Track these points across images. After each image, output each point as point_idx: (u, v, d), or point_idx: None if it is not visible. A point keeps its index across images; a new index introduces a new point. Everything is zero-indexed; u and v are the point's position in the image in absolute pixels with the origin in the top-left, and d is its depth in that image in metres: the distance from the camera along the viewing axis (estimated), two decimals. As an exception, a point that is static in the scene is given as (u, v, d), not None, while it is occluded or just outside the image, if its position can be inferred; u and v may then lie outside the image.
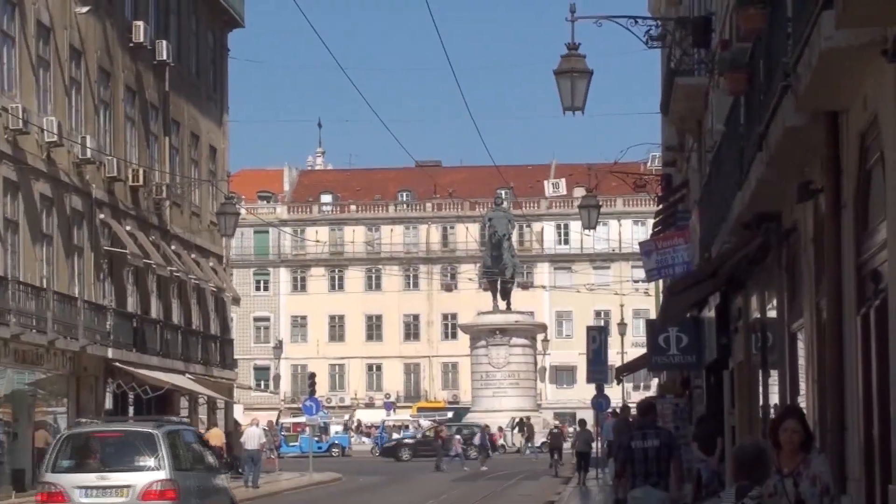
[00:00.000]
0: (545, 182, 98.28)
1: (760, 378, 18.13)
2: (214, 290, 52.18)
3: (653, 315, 53.41)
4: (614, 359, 63.27)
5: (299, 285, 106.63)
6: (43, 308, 36.43)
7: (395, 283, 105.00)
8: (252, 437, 43.03)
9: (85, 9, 40.19)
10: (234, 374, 55.73)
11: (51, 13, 38.43)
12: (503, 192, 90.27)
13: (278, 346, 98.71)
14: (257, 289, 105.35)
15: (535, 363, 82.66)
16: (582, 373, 69.09)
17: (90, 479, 20.96)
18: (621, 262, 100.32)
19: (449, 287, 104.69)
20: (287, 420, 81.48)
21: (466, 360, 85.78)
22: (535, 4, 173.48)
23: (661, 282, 35.95)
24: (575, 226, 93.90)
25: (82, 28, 40.54)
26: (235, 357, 57.41)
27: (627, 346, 78.30)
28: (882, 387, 10.57)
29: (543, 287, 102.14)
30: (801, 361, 14.66)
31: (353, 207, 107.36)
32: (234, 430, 50.37)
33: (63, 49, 39.23)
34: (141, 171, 43.84)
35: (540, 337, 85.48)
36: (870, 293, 10.95)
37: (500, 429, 74.49)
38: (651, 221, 47.42)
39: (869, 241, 10.99)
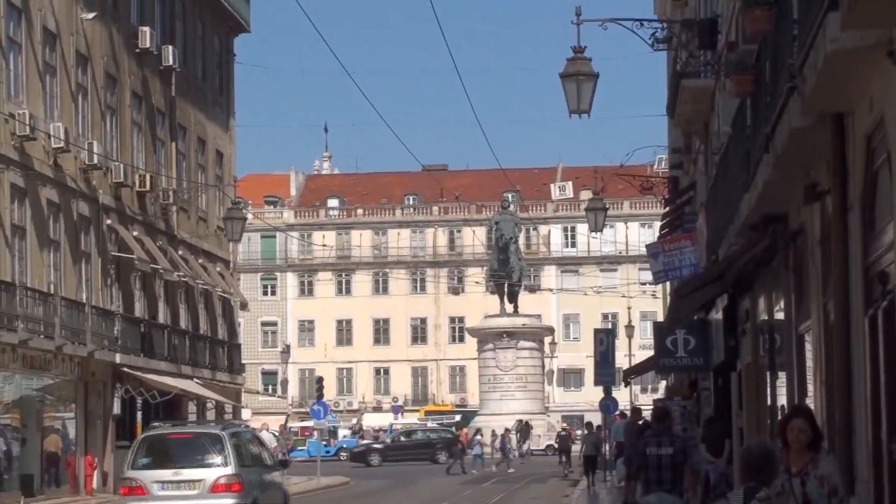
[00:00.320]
0: (552, 185, 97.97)
1: (768, 380, 18.12)
2: (222, 294, 52.22)
3: (660, 317, 53.36)
4: (622, 361, 63.19)
5: (306, 289, 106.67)
6: (51, 314, 36.47)
7: (403, 287, 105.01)
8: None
9: (91, 15, 40.25)
10: (241, 378, 55.78)
11: (57, 19, 38.48)
12: (510, 195, 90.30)
13: (286, 351, 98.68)
14: (264, 293, 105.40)
15: (543, 366, 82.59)
16: (589, 375, 68.88)
17: (166, 474, 23.43)
18: (628, 264, 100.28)
19: (456, 290, 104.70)
20: (295, 424, 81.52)
21: (474, 363, 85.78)
22: (541, 8, 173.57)
23: (668, 284, 35.95)
24: (582, 228, 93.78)
25: (88, 34, 40.59)
26: (243, 362, 57.46)
27: (635, 349, 78.29)
28: (890, 388, 10.56)
29: (550, 290, 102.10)
30: (809, 363, 14.65)
31: (359, 211, 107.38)
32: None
33: (69, 55, 39.28)
34: (148, 177, 43.88)
35: (547, 340, 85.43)
36: (877, 294, 10.94)
37: (507, 430, 74.45)
38: (658, 224, 47.40)
39: (876, 243, 10.98)
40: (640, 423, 31.01)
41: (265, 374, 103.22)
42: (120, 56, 43.08)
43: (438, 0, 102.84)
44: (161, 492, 23.28)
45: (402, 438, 70.75)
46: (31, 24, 36.98)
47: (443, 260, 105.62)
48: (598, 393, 48.67)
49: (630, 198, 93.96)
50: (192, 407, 48.45)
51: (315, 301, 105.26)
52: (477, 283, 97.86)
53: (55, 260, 38.40)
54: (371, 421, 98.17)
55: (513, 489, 42.80)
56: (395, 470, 59.50)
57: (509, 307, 79.00)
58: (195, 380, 47.08)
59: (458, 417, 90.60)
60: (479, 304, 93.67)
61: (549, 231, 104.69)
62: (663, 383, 57.77)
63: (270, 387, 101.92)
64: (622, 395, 59.93)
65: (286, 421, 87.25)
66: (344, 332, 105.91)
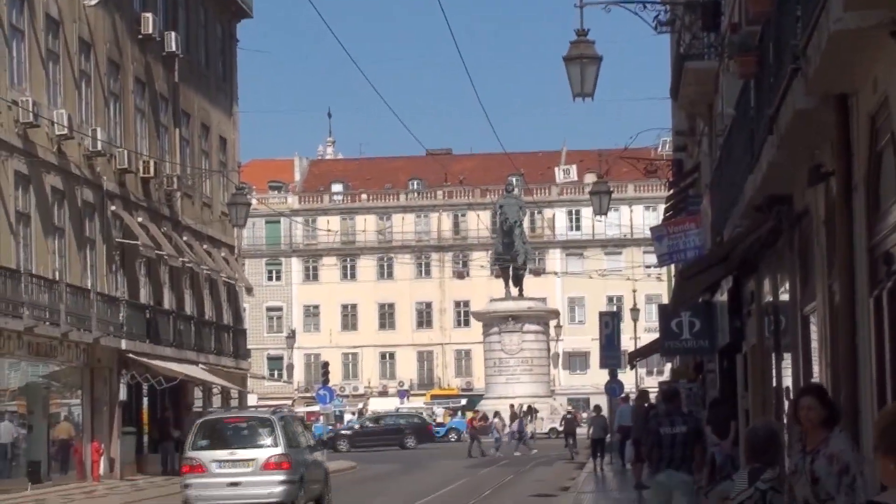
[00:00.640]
0: (556, 168, 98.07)
1: (773, 361, 18.12)
2: (227, 280, 52.26)
3: (665, 300, 53.36)
4: (627, 344, 63.26)
5: (311, 275, 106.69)
6: (56, 300, 36.51)
7: (407, 272, 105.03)
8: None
9: (93, 1, 40.22)
10: (247, 363, 55.83)
11: (59, 6, 38.47)
12: (514, 178, 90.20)
13: (291, 336, 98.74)
14: (269, 279, 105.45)
15: (548, 349, 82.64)
16: (595, 358, 69.05)
17: (223, 454, 25.58)
18: (633, 247, 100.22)
19: (461, 274, 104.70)
20: (301, 409, 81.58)
21: (479, 347, 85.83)
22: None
23: (673, 266, 35.93)
24: (586, 212, 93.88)
25: (91, 21, 40.57)
26: (248, 347, 57.51)
27: (640, 332, 78.25)
28: (895, 368, 10.56)
29: (555, 273, 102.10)
30: (814, 344, 14.65)
31: (364, 196, 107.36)
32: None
33: (72, 42, 39.27)
34: (152, 163, 43.89)
35: (552, 323, 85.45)
36: (882, 275, 10.93)
37: (525, 412, 74.51)
38: (662, 206, 47.33)
39: (881, 223, 10.96)
40: (647, 405, 31.10)
41: (271, 359, 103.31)
42: (123, 42, 43.06)
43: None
44: (218, 469, 25.39)
45: (370, 424, 71.30)
46: (33, 11, 36.97)
47: (447, 244, 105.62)
48: (603, 376, 48.69)
49: (634, 181, 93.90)
50: (197, 392, 48.53)
51: (320, 286, 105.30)
52: (482, 266, 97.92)
53: (60, 247, 38.43)
54: (377, 405, 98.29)
55: (520, 472, 42.86)
56: (399, 455, 59.54)
57: (514, 291, 79.02)
58: (201, 365, 47.13)
59: (463, 401, 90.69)
60: (484, 288, 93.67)
61: (554, 214, 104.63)
62: (669, 366, 57.80)
63: (276, 372, 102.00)
64: (628, 378, 59.98)
65: (292, 406, 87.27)
66: (349, 317, 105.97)
